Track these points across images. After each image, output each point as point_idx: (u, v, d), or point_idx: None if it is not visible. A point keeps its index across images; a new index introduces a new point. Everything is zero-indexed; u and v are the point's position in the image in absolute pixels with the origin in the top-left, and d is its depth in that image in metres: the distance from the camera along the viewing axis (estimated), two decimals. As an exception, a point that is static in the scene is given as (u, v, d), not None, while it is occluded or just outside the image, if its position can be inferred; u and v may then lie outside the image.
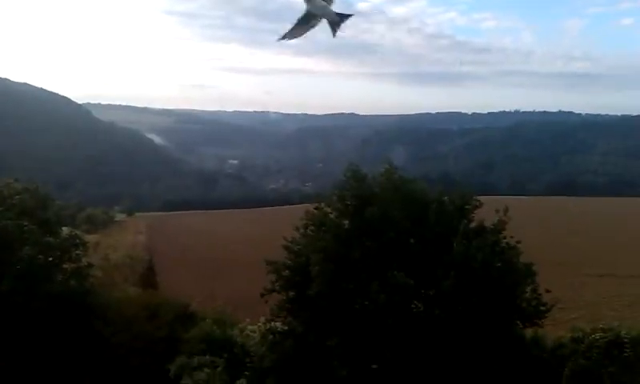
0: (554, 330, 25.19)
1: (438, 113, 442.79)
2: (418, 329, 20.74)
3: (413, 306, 21.40)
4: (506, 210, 22.29)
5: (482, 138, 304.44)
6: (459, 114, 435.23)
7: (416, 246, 21.92)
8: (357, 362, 20.74)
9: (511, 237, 22.10)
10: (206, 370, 22.06)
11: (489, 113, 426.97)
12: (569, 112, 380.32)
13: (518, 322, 22.02)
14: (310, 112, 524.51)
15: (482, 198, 23.21)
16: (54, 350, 23.83)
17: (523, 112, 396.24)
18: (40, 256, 25.43)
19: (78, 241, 28.59)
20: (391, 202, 22.55)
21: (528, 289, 21.69)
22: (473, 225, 22.24)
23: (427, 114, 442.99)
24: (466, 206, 22.73)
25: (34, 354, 23.31)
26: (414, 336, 20.67)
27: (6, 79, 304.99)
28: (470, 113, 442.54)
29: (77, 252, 27.90)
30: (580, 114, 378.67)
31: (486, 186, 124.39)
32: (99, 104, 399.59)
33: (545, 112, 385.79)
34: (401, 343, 20.67)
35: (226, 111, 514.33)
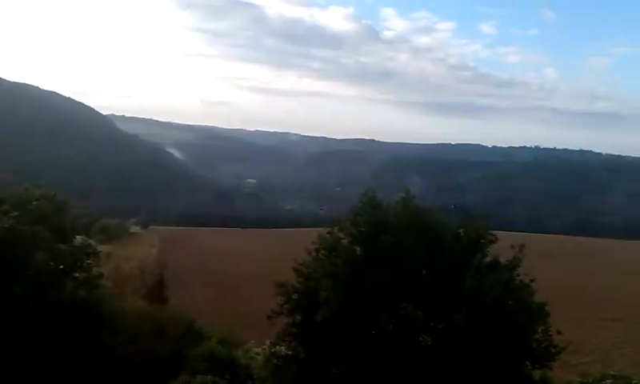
0: (563, 374, 24.60)
1: (458, 143, 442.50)
2: (424, 362, 20.30)
3: (421, 338, 20.98)
4: (522, 247, 21.86)
5: (501, 172, 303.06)
6: (479, 146, 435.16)
7: (428, 277, 21.56)
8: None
9: (525, 274, 21.64)
10: (208, 389, 21.82)
11: (509, 147, 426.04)
12: (590, 151, 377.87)
13: (527, 363, 21.48)
14: (329, 136, 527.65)
15: (498, 233, 22.76)
16: (59, 356, 23.75)
17: (544, 148, 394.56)
18: (52, 262, 25.36)
19: (90, 250, 28.56)
20: (406, 231, 22.25)
21: (540, 329, 21.16)
22: (487, 259, 21.83)
23: (447, 144, 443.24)
24: (481, 240, 22.31)
25: (39, 359, 23.25)
26: (421, 370, 20.23)
27: (35, 87, 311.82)
28: (490, 146, 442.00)
29: (88, 261, 27.85)
30: (600, 153, 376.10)
31: (503, 221, 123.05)
32: (123, 116, 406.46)
33: (565, 149, 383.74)
34: (406, 376, 20.22)
35: (247, 130, 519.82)
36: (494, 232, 22.70)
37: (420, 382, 20.10)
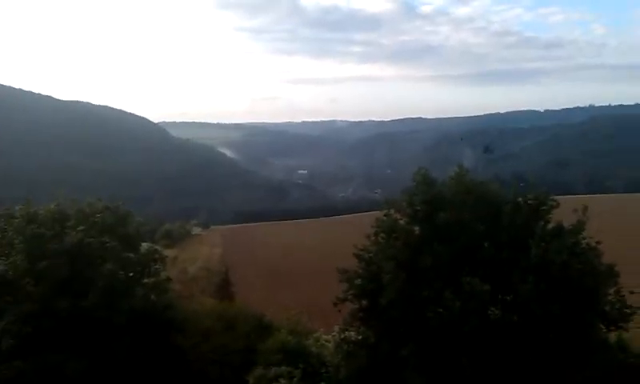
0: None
1: (507, 112, 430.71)
2: (495, 335, 20.14)
3: (489, 312, 20.81)
4: (585, 209, 21.31)
5: (556, 136, 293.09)
6: (531, 111, 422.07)
7: (490, 250, 21.34)
8: (433, 372, 20.35)
9: (591, 237, 21.12)
10: (283, 380, 22.26)
11: (562, 109, 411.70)
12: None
13: (602, 326, 21.00)
14: (376, 118, 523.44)
15: (558, 198, 22.25)
16: (135, 362, 24.53)
17: (598, 106, 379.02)
18: (121, 272, 26.21)
19: (157, 255, 29.38)
20: (463, 206, 22.07)
21: (611, 291, 20.66)
22: (550, 226, 21.41)
23: (497, 113, 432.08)
24: (542, 207, 21.86)
25: (116, 367, 24.09)
26: (492, 343, 20.09)
27: (87, 103, 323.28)
28: (542, 110, 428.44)
29: (156, 266, 28.67)
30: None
31: (562, 185, 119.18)
32: (174, 122, 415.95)
33: (621, 105, 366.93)
34: (478, 350, 20.13)
35: (294, 122, 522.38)
36: (554, 197, 22.21)
37: (492, 355, 19.99)
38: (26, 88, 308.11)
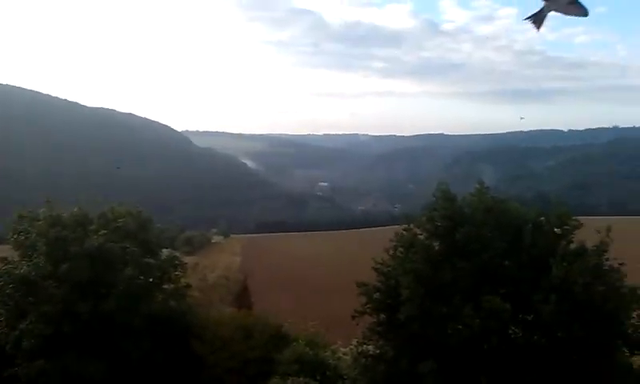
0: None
1: (531, 130, 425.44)
2: (516, 356, 19.97)
3: (510, 331, 20.64)
4: (609, 230, 21.07)
5: (579, 156, 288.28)
6: (554, 131, 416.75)
7: (511, 268, 21.19)
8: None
9: (614, 259, 20.85)
10: (300, 391, 22.28)
11: (586, 129, 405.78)
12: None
13: (625, 350, 20.66)
14: (397, 133, 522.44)
15: (581, 219, 22.05)
16: (152, 367, 24.74)
17: (622, 128, 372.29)
18: (141, 277, 26.36)
19: (177, 262, 29.54)
20: (483, 223, 22.00)
21: (634, 314, 20.36)
22: (572, 246, 21.22)
23: (520, 132, 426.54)
24: (565, 227, 21.71)
25: (133, 372, 24.31)
26: (513, 363, 19.91)
27: (113, 110, 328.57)
28: (565, 130, 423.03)
29: (176, 273, 28.85)
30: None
31: (585, 207, 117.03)
32: (198, 131, 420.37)
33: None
34: (498, 370, 19.96)
35: (316, 134, 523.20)
36: (577, 218, 22.01)
37: (512, 375, 19.80)
38: (53, 94, 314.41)
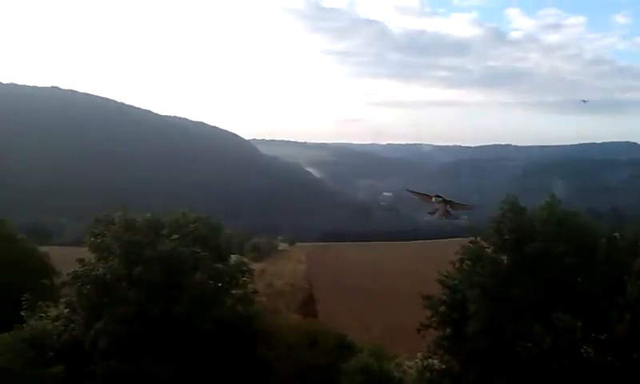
0: None
1: (603, 143, 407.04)
2: (588, 375, 19.34)
3: (582, 350, 20.01)
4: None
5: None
6: (627, 143, 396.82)
7: (583, 285, 20.56)
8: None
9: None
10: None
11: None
12: None
13: None
14: (463, 144, 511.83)
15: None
16: (221, 370, 25.20)
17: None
18: (210, 281, 26.92)
19: (245, 268, 29.83)
20: (554, 238, 21.41)
21: None
22: (649, 264, 20.36)
23: (592, 143, 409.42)
24: (641, 243, 20.90)
25: (203, 373, 24.93)
26: (584, 383, 19.30)
27: (185, 119, 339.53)
28: (639, 142, 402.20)
29: (244, 278, 29.18)
30: None
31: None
32: (264, 140, 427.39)
33: None
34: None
35: (379, 144, 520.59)
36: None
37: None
38: (127, 102, 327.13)
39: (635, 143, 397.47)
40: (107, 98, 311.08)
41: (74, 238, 62.18)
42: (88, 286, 24.99)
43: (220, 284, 28.03)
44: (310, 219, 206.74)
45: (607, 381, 19.07)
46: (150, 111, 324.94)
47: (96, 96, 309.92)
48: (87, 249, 26.67)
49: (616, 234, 21.26)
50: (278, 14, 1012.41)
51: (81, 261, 26.08)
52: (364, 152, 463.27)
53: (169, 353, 24.39)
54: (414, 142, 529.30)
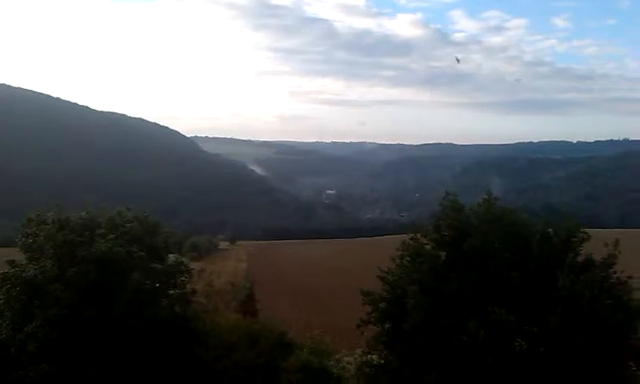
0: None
1: (540, 141, 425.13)
2: (521, 367, 19.82)
3: (516, 343, 20.50)
4: (617, 243, 20.94)
5: (588, 168, 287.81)
6: (563, 142, 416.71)
7: (517, 279, 21.07)
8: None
9: (622, 271, 20.72)
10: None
11: (595, 141, 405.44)
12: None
13: (632, 364, 20.49)
14: (406, 142, 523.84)
15: (589, 231, 21.91)
16: (157, 372, 24.59)
17: (632, 140, 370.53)
18: (147, 282, 26.14)
19: (183, 267, 29.38)
20: (490, 234, 21.88)
21: (641, 328, 20.21)
22: (580, 258, 21.07)
23: (529, 143, 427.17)
24: (573, 239, 21.55)
25: (138, 376, 24.30)
26: (518, 375, 19.76)
27: (123, 114, 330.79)
28: (574, 141, 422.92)
29: (182, 278, 28.74)
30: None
31: (593, 219, 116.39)
32: (207, 137, 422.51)
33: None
34: (503, 382, 19.82)
35: (323, 142, 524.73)
36: (586, 230, 21.87)
37: (516, 386, 19.66)
38: (63, 97, 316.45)
39: (570, 142, 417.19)
40: (43, 93, 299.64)
41: (4, 239, 59.60)
42: (17, 288, 23.70)
43: (157, 284, 27.21)
44: (253, 217, 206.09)
45: (539, 371, 19.59)
46: (87, 107, 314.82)
47: (31, 91, 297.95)
48: (18, 250, 25.55)
49: (550, 230, 21.84)
50: (223, 10, 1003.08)
51: (11, 262, 24.71)
52: (308, 150, 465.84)
53: (103, 355, 23.47)
54: (358, 141, 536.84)
